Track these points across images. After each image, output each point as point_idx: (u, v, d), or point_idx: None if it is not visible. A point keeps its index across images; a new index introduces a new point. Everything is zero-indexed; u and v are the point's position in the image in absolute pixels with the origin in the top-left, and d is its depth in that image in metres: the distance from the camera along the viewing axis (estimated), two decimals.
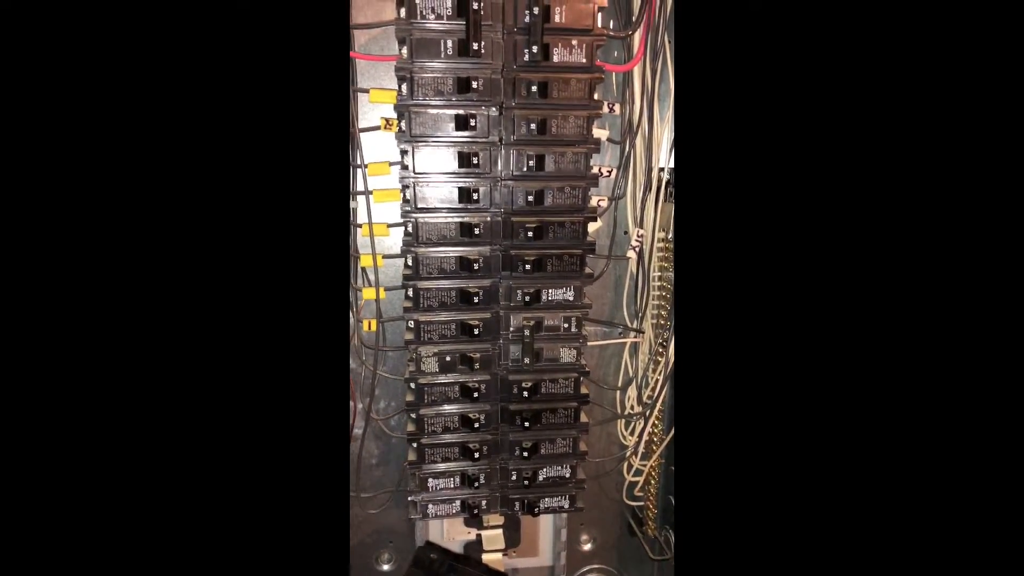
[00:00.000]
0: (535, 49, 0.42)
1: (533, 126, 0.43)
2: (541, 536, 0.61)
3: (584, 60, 0.43)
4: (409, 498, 0.50)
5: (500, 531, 0.58)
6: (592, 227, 0.48)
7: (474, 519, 0.56)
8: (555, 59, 0.43)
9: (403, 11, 0.41)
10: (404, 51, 0.42)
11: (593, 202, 0.48)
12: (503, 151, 0.44)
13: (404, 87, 0.42)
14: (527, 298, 0.46)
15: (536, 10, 0.41)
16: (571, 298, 0.47)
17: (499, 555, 0.58)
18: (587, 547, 0.65)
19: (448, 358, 0.47)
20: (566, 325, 0.48)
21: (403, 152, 0.44)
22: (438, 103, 0.42)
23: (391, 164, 0.47)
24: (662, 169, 0.51)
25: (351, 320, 0.50)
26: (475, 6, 0.40)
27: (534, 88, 0.43)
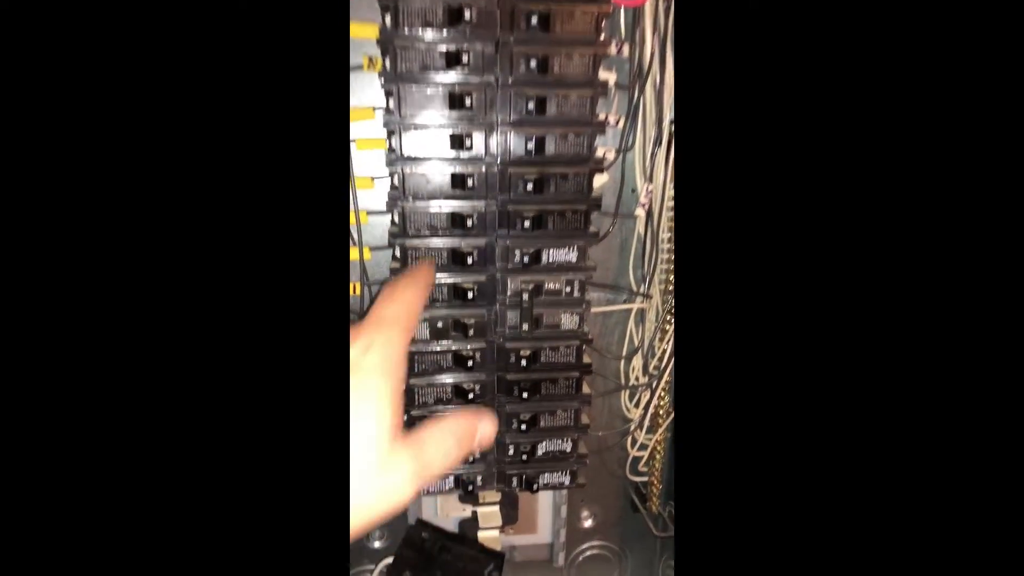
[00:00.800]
0: None
1: (534, 64, 0.39)
2: (540, 513, 0.59)
3: None
4: None
5: (497, 508, 0.55)
6: (598, 181, 0.43)
7: (469, 496, 0.53)
8: None
9: None
10: None
11: (599, 153, 0.43)
12: (500, 93, 0.39)
13: (388, 18, 0.37)
14: (526, 259, 0.42)
15: None
16: (574, 259, 0.43)
17: (496, 532, 0.55)
18: (587, 524, 0.62)
19: (440, 324, 0.43)
20: (568, 289, 0.44)
21: (387, 94, 0.39)
22: (426, 37, 0.38)
23: (375, 109, 0.42)
24: (674, 120, 0.46)
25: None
26: None
27: (535, 20, 0.38)
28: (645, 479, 0.58)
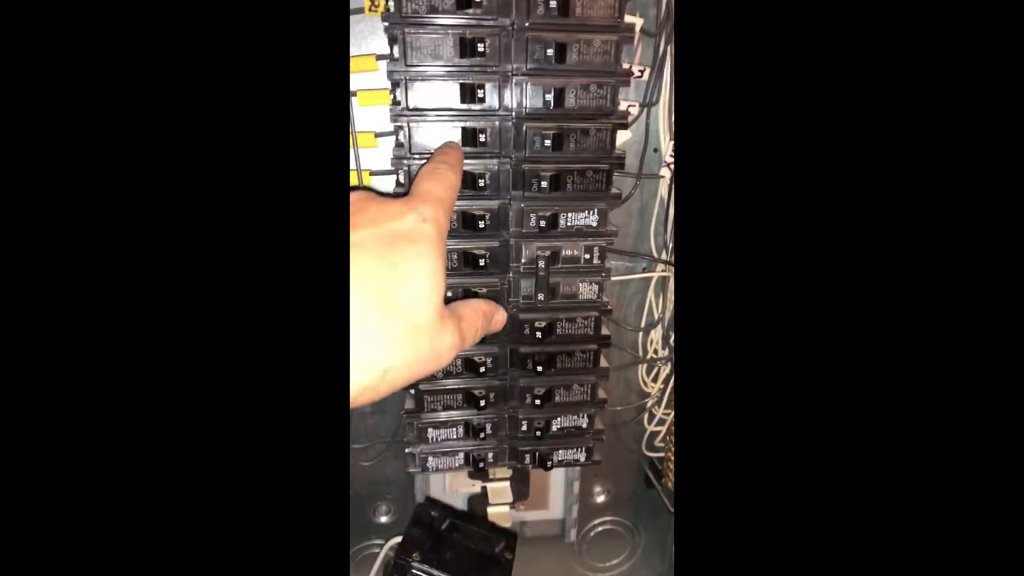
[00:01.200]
0: None
1: (553, 4, 0.35)
2: (551, 489, 0.57)
3: None
4: (407, 450, 0.44)
5: (507, 484, 0.53)
6: (621, 137, 0.40)
7: (479, 472, 0.51)
8: None
9: None
10: None
11: (622, 107, 0.39)
12: (515, 39, 0.36)
13: None
14: (542, 223, 0.39)
15: None
16: (594, 224, 0.40)
17: (506, 508, 0.53)
18: (600, 499, 0.60)
19: (450, 293, 0.40)
20: (587, 256, 0.41)
21: (391, 40, 0.35)
22: None
23: (378, 58, 0.39)
24: None
25: None
26: None
27: None
28: (661, 455, 0.56)
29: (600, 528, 0.61)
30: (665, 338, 0.50)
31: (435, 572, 0.38)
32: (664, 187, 0.46)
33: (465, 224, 0.39)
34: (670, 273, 0.48)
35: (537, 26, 0.35)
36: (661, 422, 0.53)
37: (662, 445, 0.55)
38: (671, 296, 0.49)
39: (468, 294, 0.40)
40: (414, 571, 0.38)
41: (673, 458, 0.55)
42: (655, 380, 0.52)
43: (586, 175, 0.39)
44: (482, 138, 0.37)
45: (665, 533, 0.62)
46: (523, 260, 0.40)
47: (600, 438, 0.46)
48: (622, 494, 0.60)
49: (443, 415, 0.43)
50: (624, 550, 0.63)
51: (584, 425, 0.45)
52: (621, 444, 0.57)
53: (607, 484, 0.60)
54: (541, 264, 0.40)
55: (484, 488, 0.53)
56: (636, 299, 0.51)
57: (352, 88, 0.39)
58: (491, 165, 0.38)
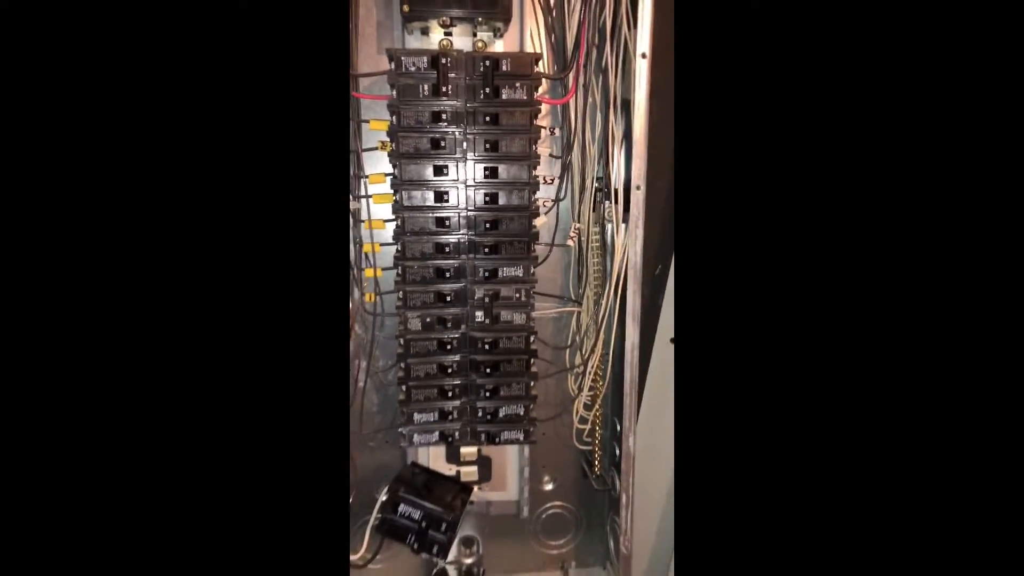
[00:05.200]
0: (487, 90, 0.58)
1: (488, 146, 0.59)
2: (508, 474, 0.76)
3: (525, 96, 0.59)
4: (399, 430, 0.65)
5: (475, 467, 0.72)
6: (538, 221, 0.63)
7: (454, 455, 0.71)
8: (503, 96, 0.59)
9: (393, 65, 0.57)
10: (394, 93, 0.58)
11: (540, 202, 0.63)
12: (467, 164, 0.60)
13: (394, 119, 0.58)
14: (486, 274, 0.62)
15: (487, 62, 0.57)
16: (520, 274, 0.63)
17: (475, 488, 0.73)
18: (548, 487, 0.79)
19: (428, 319, 0.62)
20: (517, 295, 0.63)
21: (393, 166, 0.60)
22: (418, 130, 0.58)
23: (386, 175, 0.63)
24: (599, 178, 0.66)
25: (356, 294, 0.65)
26: (443, 61, 0.56)
27: (488, 119, 0.59)
28: (590, 447, 0.75)
29: (550, 511, 0.79)
30: (582, 354, 0.71)
31: (414, 498, 0.58)
32: (573, 252, 0.69)
33: (438, 275, 0.61)
34: (581, 310, 0.70)
35: (479, 159, 0.60)
36: (584, 420, 0.73)
37: (590, 440, 0.75)
38: (583, 326, 0.71)
39: (441, 321, 0.62)
40: (401, 495, 0.58)
41: (599, 450, 0.74)
42: (580, 388, 0.73)
43: (514, 244, 0.62)
44: (448, 223, 0.60)
45: (604, 517, 0.80)
46: (476, 297, 0.63)
47: (534, 423, 0.67)
48: (566, 482, 0.79)
49: (424, 404, 0.64)
50: (570, 530, 0.80)
51: (521, 412, 0.66)
52: (562, 442, 0.77)
53: (553, 473, 0.78)
54: (487, 300, 0.62)
55: (458, 471, 0.72)
56: (567, 328, 0.73)
57: (369, 192, 0.63)
58: (454, 239, 0.61)
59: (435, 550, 0.58)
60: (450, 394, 0.64)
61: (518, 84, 0.58)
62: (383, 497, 0.61)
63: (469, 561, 0.76)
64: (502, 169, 0.60)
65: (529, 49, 0.65)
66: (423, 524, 0.58)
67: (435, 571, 0.73)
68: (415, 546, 0.58)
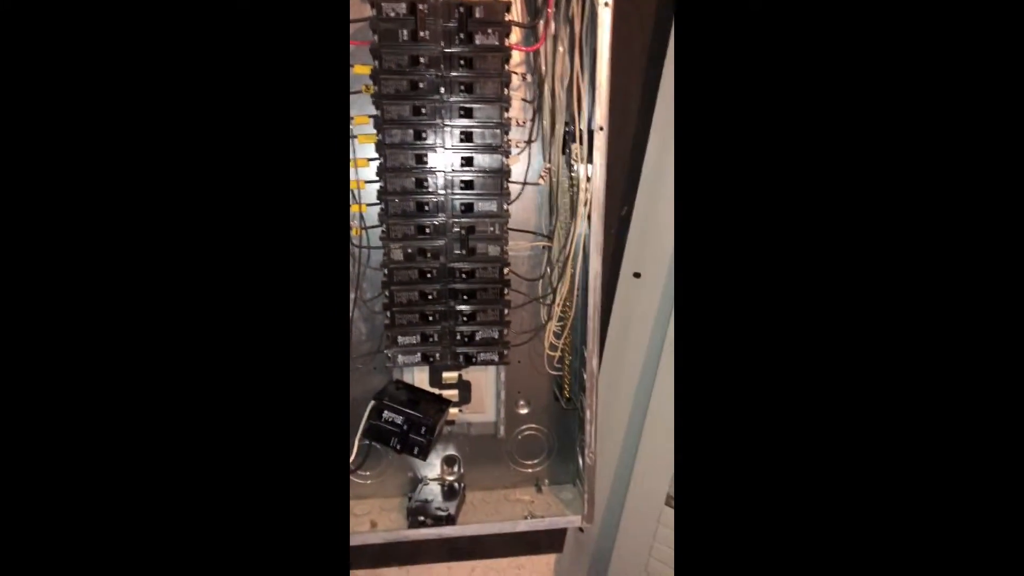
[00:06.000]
0: (462, 36, 0.62)
1: (463, 87, 0.64)
2: (486, 398, 0.83)
3: (497, 42, 0.64)
4: (386, 351, 0.71)
5: (456, 391, 0.79)
6: (510, 160, 0.69)
7: (436, 379, 0.78)
8: (477, 42, 0.64)
9: (374, 11, 0.62)
10: (376, 38, 0.62)
11: (512, 143, 0.69)
12: (445, 107, 0.65)
13: (377, 63, 0.63)
14: (463, 208, 0.68)
15: (462, 9, 0.62)
16: (495, 209, 0.68)
17: (455, 409, 0.80)
18: (523, 411, 0.86)
19: (410, 251, 0.68)
20: (492, 229, 0.69)
21: (377, 107, 0.65)
22: (399, 72, 0.63)
23: (369, 116, 0.68)
24: (567, 123, 0.72)
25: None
26: (420, 7, 0.61)
27: (463, 63, 0.64)
28: (560, 374, 0.82)
29: (525, 432, 0.87)
30: (549, 284, 0.78)
31: (397, 406, 0.65)
32: (546, 190, 0.75)
33: (419, 209, 0.67)
34: (552, 244, 0.76)
35: (455, 106, 0.65)
36: (554, 348, 0.80)
37: (559, 367, 0.82)
38: (553, 256, 0.77)
39: (422, 252, 0.68)
40: (386, 402, 0.65)
41: (568, 376, 0.81)
42: (550, 316, 0.79)
43: (486, 183, 0.67)
44: (425, 158, 0.66)
45: (574, 439, 0.88)
46: (454, 230, 0.68)
47: (507, 346, 0.73)
48: (539, 406, 0.86)
49: (408, 328, 0.71)
50: (544, 451, 0.88)
51: (496, 337, 0.73)
52: (536, 369, 0.84)
53: (528, 397, 0.86)
54: (463, 232, 0.68)
55: (440, 394, 0.79)
56: (541, 260, 0.79)
57: (353, 132, 0.68)
58: (431, 175, 0.67)
59: (416, 451, 0.65)
60: (431, 319, 0.70)
61: (490, 30, 0.63)
62: (371, 405, 0.68)
63: (451, 478, 0.84)
64: (477, 110, 0.65)
65: None
66: (405, 428, 0.65)
67: (420, 484, 0.81)
68: (398, 447, 0.65)
